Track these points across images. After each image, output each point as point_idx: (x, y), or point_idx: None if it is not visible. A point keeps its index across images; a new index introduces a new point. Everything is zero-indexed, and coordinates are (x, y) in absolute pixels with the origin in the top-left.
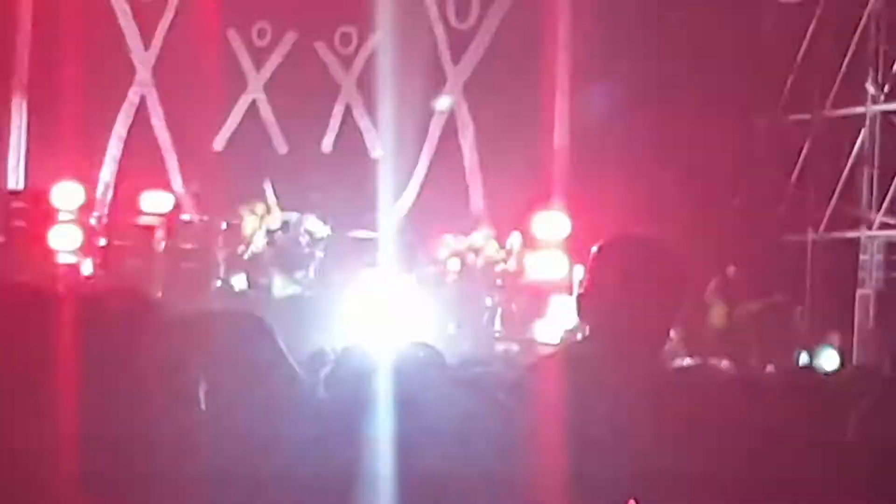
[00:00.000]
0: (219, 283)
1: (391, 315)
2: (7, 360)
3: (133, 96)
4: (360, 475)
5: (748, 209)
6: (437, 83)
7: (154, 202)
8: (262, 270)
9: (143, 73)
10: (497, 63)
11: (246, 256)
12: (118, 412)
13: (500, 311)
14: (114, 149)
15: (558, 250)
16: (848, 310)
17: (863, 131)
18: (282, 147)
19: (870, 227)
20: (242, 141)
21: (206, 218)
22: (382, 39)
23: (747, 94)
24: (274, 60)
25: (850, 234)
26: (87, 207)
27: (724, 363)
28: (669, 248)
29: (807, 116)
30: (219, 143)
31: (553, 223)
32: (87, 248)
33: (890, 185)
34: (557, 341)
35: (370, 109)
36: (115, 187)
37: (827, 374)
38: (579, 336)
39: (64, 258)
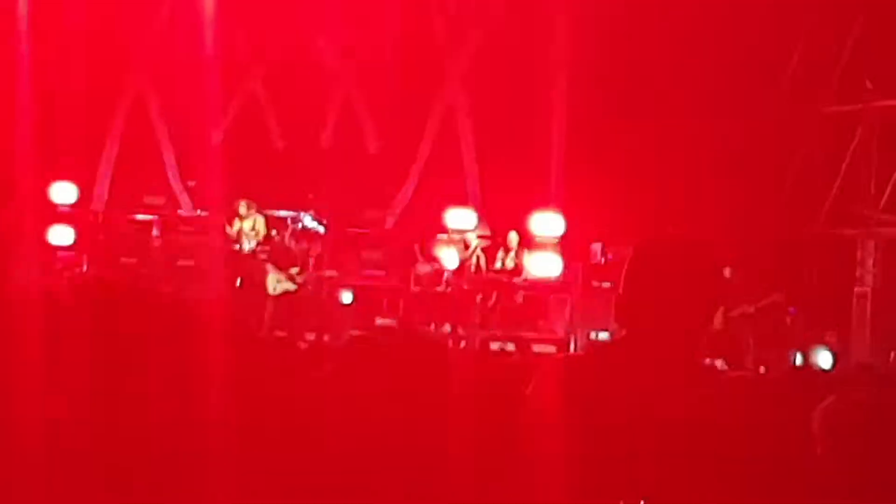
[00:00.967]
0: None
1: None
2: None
3: (130, 91)
4: None
5: (747, 207)
6: (435, 77)
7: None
8: (257, 267)
9: (141, 68)
10: (496, 57)
11: (242, 252)
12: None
13: (496, 309)
14: (111, 144)
15: (554, 249)
16: (845, 308)
17: (861, 129)
18: (279, 141)
19: (868, 225)
20: (240, 136)
21: (203, 213)
22: (381, 32)
23: (746, 91)
24: (273, 54)
25: (848, 231)
26: (84, 203)
27: (719, 363)
28: (706, 248)
29: (805, 114)
30: (216, 138)
31: (549, 222)
32: (83, 245)
33: (888, 182)
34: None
35: (368, 103)
36: (113, 182)
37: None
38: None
39: (61, 254)
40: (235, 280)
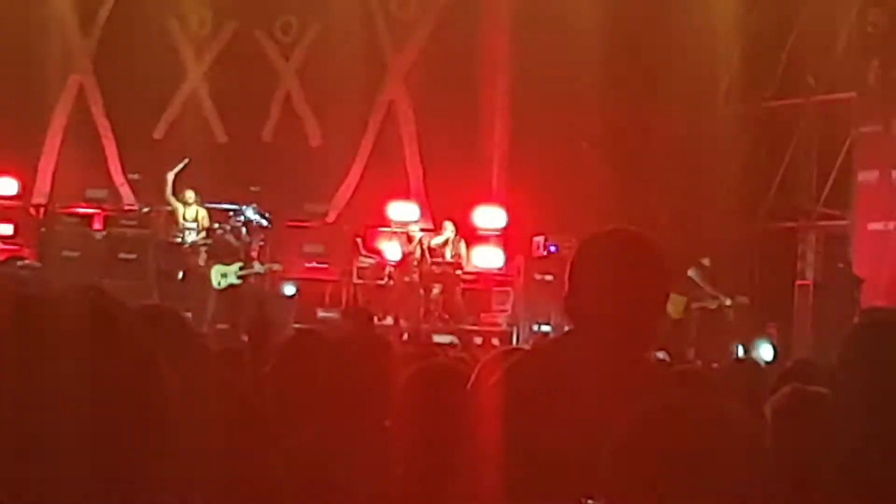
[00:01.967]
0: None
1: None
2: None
3: (72, 84)
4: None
5: (690, 200)
6: (377, 72)
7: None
8: (200, 260)
9: (83, 61)
10: (438, 52)
11: (184, 245)
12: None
13: (439, 302)
14: (53, 137)
15: (496, 242)
16: (788, 301)
17: (802, 123)
18: (221, 136)
19: (809, 218)
20: (182, 130)
21: (145, 207)
22: (323, 28)
23: (690, 85)
24: (214, 49)
25: (789, 225)
26: (26, 196)
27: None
28: (654, 241)
29: (746, 109)
30: (158, 132)
31: (491, 215)
32: (25, 238)
33: (829, 176)
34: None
35: (310, 98)
36: (54, 176)
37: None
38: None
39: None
40: (177, 273)
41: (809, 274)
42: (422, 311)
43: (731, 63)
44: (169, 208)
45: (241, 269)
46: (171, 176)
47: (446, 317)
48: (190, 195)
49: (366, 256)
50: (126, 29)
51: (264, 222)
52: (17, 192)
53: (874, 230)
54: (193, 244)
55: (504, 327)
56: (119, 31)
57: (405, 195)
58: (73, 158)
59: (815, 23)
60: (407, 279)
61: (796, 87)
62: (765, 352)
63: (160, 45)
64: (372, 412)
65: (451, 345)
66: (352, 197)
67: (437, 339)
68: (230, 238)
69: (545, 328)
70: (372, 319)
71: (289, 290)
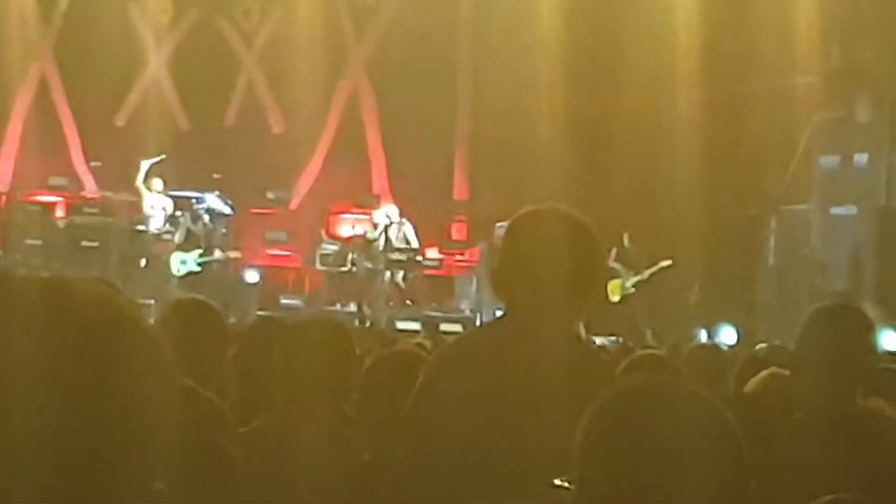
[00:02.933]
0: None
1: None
2: None
3: (33, 72)
4: None
5: (655, 185)
6: (339, 59)
7: None
8: (163, 248)
9: (44, 49)
10: (400, 40)
11: (147, 233)
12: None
13: (401, 289)
14: (14, 126)
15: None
16: (751, 286)
17: (764, 108)
18: (183, 123)
19: (771, 203)
20: (144, 117)
21: (107, 194)
22: (284, 15)
23: (653, 69)
24: (176, 36)
25: (754, 211)
26: None
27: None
28: (582, 220)
29: (708, 93)
30: (120, 120)
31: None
32: None
33: (791, 160)
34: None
35: (272, 85)
36: (16, 164)
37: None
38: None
39: None
40: (140, 261)
41: (772, 259)
42: (385, 297)
43: (693, 47)
44: (132, 198)
45: (200, 255)
46: (145, 164)
47: (409, 303)
48: (158, 184)
49: (328, 243)
50: (87, 16)
51: (227, 209)
52: None
53: (837, 215)
54: (157, 232)
55: (468, 313)
56: (80, 19)
57: (368, 182)
58: (35, 147)
59: (777, 7)
60: (370, 266)
61: (758, 72)
62: (727, 336)
63: (121, 32)
64: (332, 398)
65: (414, 331)
66: (314, 184)
67: (401, 325)
68: (190, 225)
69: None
70: None
71: (251, 277)
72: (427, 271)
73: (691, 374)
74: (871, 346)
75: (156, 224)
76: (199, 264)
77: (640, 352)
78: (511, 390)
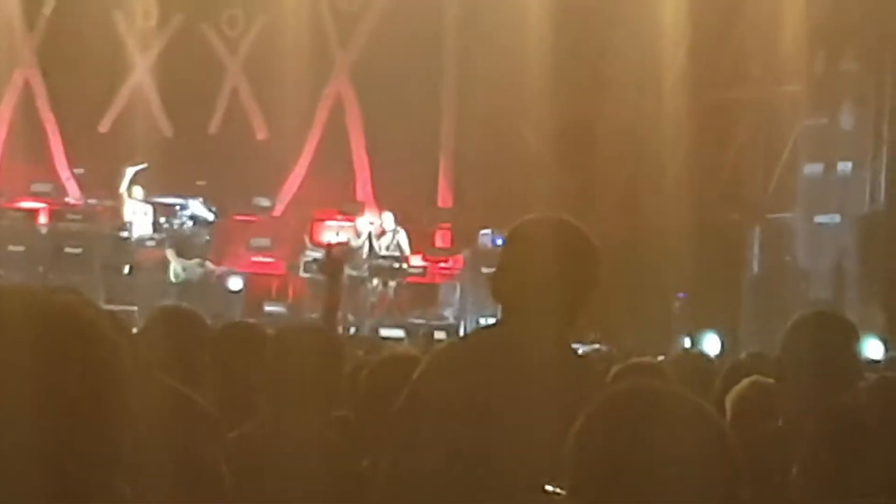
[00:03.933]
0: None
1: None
2: None
3: (17, 79)
4: None
5: (638, 192)
6: (323, 66)
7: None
8: (146, 255)
9: (28, 55)
10: (384, 47)
11: (131, 240)
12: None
13: (386, 296)
14: None
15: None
16: (735, 293)
17: (748, 116)
18: (167, 130)
19: (755, 211)
20: (128, 123)
21: (91, 201)
22: (269, 22)
23: (639, 76)
24: (160, 42)
25: (735, 217)
26: None
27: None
28: (583, 230)
29: (692, 100)
30: (104, 126)
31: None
32: None
33: (775, 168)
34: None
35: (257, 92)
36: None
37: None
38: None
39: None
40: (123, 268)
41: (755, 266)
42: (369, 305)
43: (678, 55)
44: (115, 204)
45: (198, 262)
46: (130, 171)
47: (393, 310)
48: (138, 192)
49: (312, 250)
50: (71, 23)
51: (211, 216)
52: None
53: (820, 222)
54: (140, 239)
55: (451, 320)
56: (64, 25)
57: (352, 189)
58: (18, 153)
59: (762, 15)
60: (355, 273)
61: (742, 80)
62: (711, 344)
63: (105, 38)
64: (318, 405)
65: (398, 339)
66: (298, 191)
67: (385, 332)
68: (187, 232)
69: (492, 321)
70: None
71: (235, 284)
72: (411, 279)
73: (676, 381)
74: (855, 354)
75: (139, 231)
76: (184, 269)
77: (633, 360)
78: (503, 396)
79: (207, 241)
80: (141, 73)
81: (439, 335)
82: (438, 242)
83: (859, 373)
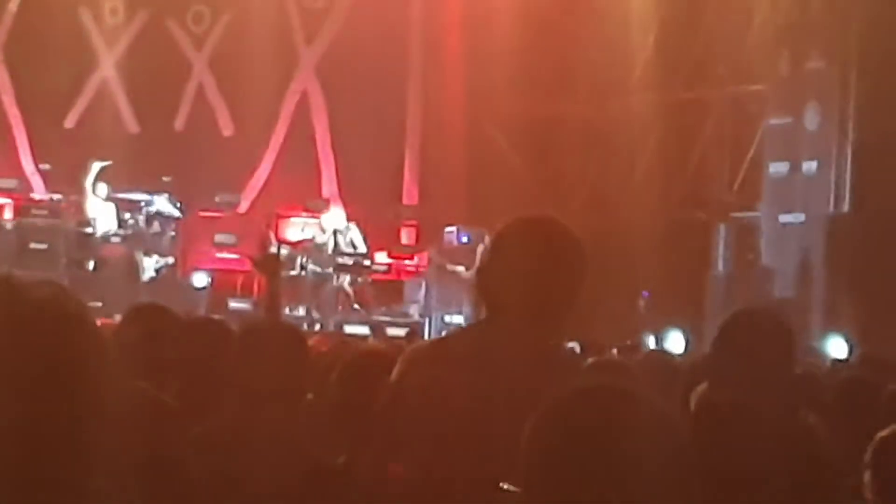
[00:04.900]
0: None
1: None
2: None
3: None
4: None
5: (602, 190)
6: (289, 63)
7: None
8: (110, 250)
9: None
10: (350, 43)
11: (96, 236)
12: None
13: (350, 293)
14: None
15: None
16: (700, 292)
17: (713, 114)
18: (133, 126)
19: (720, 209)
20: (93, 119)
21: (56, 196)
22: (235, 18)
23: (604, 74)
24: (126, 38)
25: (700, 216)
26: None
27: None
28: (571, 231)
29: (657, 99)
30: (70, 122)
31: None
32: None
33: (740, 167)
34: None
35: (222, 88)
36: None
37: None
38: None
39: None
40: (88, 264)
41: (720, 265)
42: (333, 301)
43: (643, 53)
44: (77, 199)
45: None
46: (96, 166)
47: (357, 308)
48: (102, 189)
49: (277, 246)
50: (37, 17)
51: (176, 212)
52: None
53: (785, 222)
54: (105, 235)
55: (416, 318)
56: (30, 20)
57: (317, 185)
58: None
59: (727, 13)
60: (319, 269)
61: (708, 78)
62: (676, 343)
63: (71, 33)
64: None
65: (363, 336)
66: (263, 187)
67: (350, 329)
68: (150, 229)
69: (457, 318)
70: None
71: (199, 280)
72: (376, 275)
73: (640, 380)
74: (788, 352)
75: (104, 227)
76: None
77: (596, 357)
78: (489, 396)
79: (173, 238)
80: (107, 69)
81: (402, 332)
82: (404, 239)
83: (793, 371)
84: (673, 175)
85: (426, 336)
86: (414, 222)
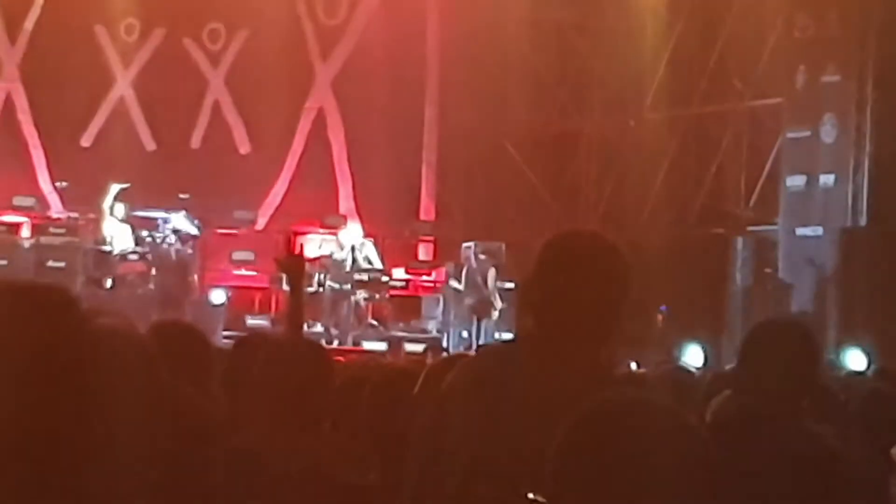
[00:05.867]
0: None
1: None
2: None
3: None
4: None
5: (621, 205)
6: (305, 79)
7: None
8: (128, 268)
9: (9, 69)
10: (366, 60)
11: (113, 254)
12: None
13: (368, 308)
14: None
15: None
16: (719, 307)
17: (730, 128)
18: (150, 143)
19: (737, 224)
20: (110, 137)
21: (73, 215)
22: (251, 35)
23: (620, 90)
24: (142, 56)
25: (718, 231)
26: None
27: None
28: (616, 247)
29: (674, 114)
30: (86, 140)
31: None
32: None
33: (757, 181)
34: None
35: (239, 105)
36: None
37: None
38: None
39: None
40: (106, 282)
41: (738, 279)
42: (352, 317)
43: (659, 68)
44: (95, 216)
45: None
46: (113, 189)
47: (375, 324)
48: (119, 210)
49: (301, 247)
50: (53, 36)
51: (194, 230)
52: None
53: (802, 235)
54: (122, 253)
55: (434, 334)
56: (46, 39)
57: (335, 202)
58: (1, 166)
59: (743, 28)
60: (337, 286)
61: (724, 93)
62: (694, 357)
63: (87, 52)
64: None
65: (381, 352)
66: (281, 204)
67: (368, 345)
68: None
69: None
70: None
71: (217, 297)
72: (394, 291)
73: (659, 393)
74: (814, 361)
75: (121, 245)
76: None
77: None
78: (530, 414)
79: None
80: (123, 87)
81: (420, 348)
82: (421, 255)
83: (819, 381)
84: (690, 189)
85: (447, 352)
86: (431, 238)
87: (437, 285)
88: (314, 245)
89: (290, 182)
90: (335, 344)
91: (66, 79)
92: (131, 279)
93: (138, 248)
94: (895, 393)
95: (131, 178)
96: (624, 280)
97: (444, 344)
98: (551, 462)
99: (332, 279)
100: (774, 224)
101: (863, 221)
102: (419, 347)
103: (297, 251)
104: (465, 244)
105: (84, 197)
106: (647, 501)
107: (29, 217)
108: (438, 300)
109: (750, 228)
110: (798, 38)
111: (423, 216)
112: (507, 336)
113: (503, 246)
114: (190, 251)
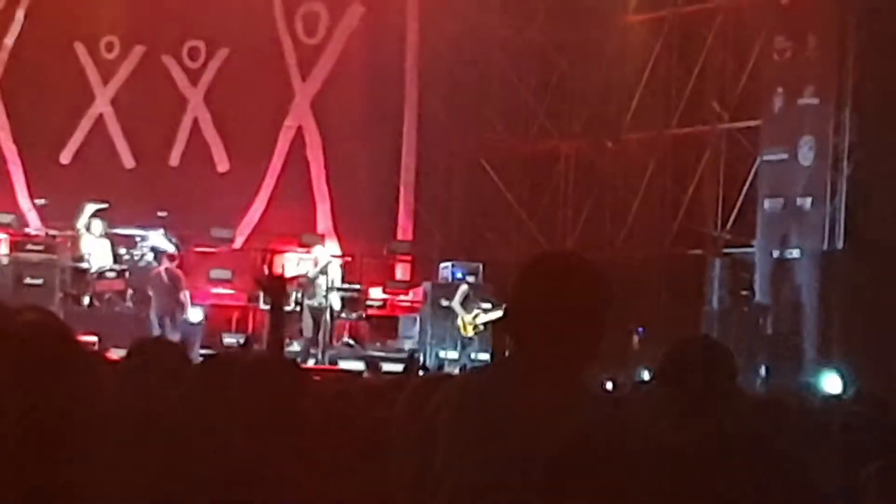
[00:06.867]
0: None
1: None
2: None
3: None
4: None
5: (597, 226)
6: (284, 98)
7: None
8: (106, 286)
9: None
10: (345, 80)
11: (91, 271)
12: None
13: (345, 328)
14: None
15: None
16: (695, 328)
17: (708, 150)
18: (129, 161)
19: (715, 245)
20: (89, 155)
21: (51, 232)
22: (230, 54)
23: (596, 110)
24: (121, 74)
25: (695, 252)
26: None
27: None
28: (594, 267)
29: (652, 135)
30: (65, 157)
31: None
32: None
33: (735, 203)
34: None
35: (218, 124)
36: None
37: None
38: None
39: None
40: (84, 299)
41: (715, 301)
42: (328, 336)
43: (638, 89)
44: (73, 234)
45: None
46: (89, 208)
47: (352, 343)
48: (97, 227)
49: (282, 267)
50: (33, 53)
51: (171, 248)
52: None
53: (779, 257)
54: (100, 270)
55: (411, 353)
56: (26, 56)
57: (312, 220)
58: None
59: (721, 50)
60: (314, 304)
61: (702, 114)
62: None
63: (67, 69)
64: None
65: (358, 371)
66: (259, 222)
67: (344, 364)
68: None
69: (451, 354)
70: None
71: (195, 315)
72: (370, 310)
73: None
74: (728, 381)
75: (99, 262)
76: None
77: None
78: (516, 432)
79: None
80: (102, 105)
81: (397, 367)
82: (399, 275)
83: (733, 400)
84: (667, 210)
85: (422, 371)
86: (409, 258)
87: (415, 305)
88: (292, 264)
89: (269, 201)
90: (312, 363)
91: (46, 96)
92: (108, 297)
93: (115, 266)
94: (874, 417)
95: (110, 196)
96: (603, 301)
97: (422, 363)
98: (537, 482)
99: (308, 298)
100: (751, 246)
101: (840, 244)
102: (397, 367)
103: (277, 272)
104: (442, 264)
105: (63, 214)
106: None
107: (7, 234)
108: (415, 320)
109: (727, 250)
110: (776, 60)
111: (400, 236)
112: (484, 356)
113: (480, 266)
114: (177, 269)
